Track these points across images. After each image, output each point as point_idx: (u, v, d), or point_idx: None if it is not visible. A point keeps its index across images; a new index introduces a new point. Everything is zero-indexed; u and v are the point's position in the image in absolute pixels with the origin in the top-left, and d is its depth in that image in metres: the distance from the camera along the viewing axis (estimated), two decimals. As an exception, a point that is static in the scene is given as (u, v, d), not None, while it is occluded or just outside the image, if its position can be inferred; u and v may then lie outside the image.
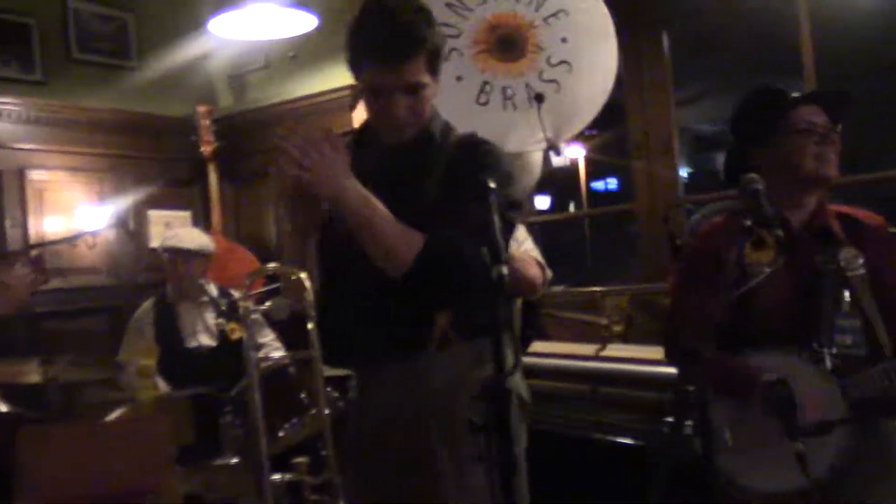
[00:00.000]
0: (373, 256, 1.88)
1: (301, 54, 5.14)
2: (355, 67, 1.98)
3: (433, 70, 1.95)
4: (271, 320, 2.13)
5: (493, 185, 1.61)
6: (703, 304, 2.11)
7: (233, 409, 3.23)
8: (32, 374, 3.75)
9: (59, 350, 3.96)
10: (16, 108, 4.74)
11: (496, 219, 1.56)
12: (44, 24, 4.91)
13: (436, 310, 1.95)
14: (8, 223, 4.62)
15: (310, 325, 1.88)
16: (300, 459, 1.95)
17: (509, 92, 2.92)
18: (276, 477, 1.90)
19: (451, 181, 1.93)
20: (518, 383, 2.03)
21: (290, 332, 4.22)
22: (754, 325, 2.18)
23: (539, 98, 2.87)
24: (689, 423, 2.23)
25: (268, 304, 1.94)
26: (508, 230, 1.90)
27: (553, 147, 2.87)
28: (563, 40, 2.96)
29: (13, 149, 4.74)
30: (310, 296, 1.90)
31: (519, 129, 2.89)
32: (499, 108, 2.91)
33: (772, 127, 2.27)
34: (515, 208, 1.94)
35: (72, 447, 1.55)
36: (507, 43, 2.96)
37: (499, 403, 1.61)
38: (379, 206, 1.87)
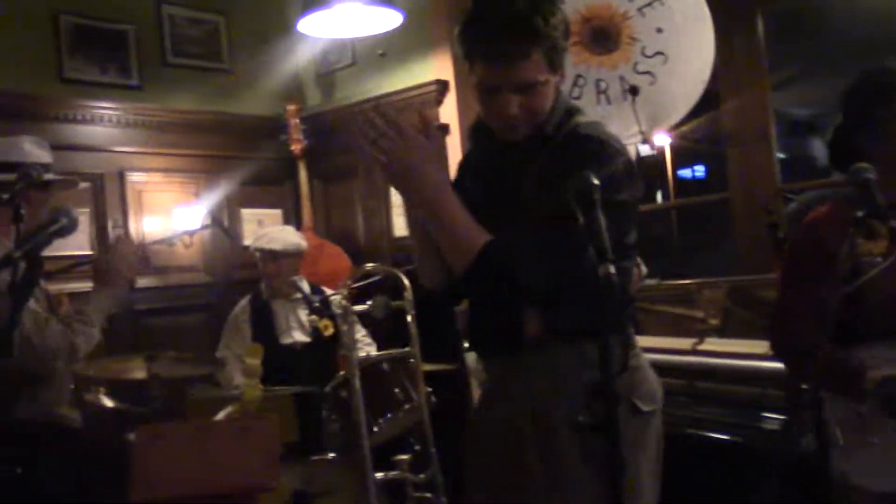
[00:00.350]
0: (441, 249, 1.85)
1: (387, 51, 5.17)
2: (467, 60, 1.89)
3: (553, 65, 1.85)
4: (371, 318, 2.15)
5: (597, 181, 1.58)
6: (816, 299, 2.04)
7: (328, 404, 3.27)
8: (137, 370, 3.86)
9: (159, 346, 4.08)
10: (115, 113, 4.89)
11: (602, 217, 1.53)
12: (140, 30, 5.05)
13: (519, 310, 1.89)
14: (109, 224, 4.77)
15: (409, 322, 1.87)
16: (403, 457, 1.95)
17: (603, 85, 2.88)
18: (380, 475, 1.91)
19: (547, 178, 1.86)
20: (637, 385, 1.95)
21: (384, 328, 4.27)
22: (867, 320, 2.10)
23: (634, 91, 2.83)
24: (799, 421, 2.16)
25: (368, 302, 1.95)
26: (622, 228, 1.84)
27: (648, 141, 2.82)
28: (659, 31, 2.91)
29: (113, 152, 4.90)
30: (409, 294, 1.89)
31: (613, 123, 2.85)
32: (592, 102, 2.87)
33: (884, 112, 2.17)
34: (626, 206, 1.85)
35: (184, 444, 1.59)
36: (601, 35, 2.92)
37: (606, 404, 1.59)
38: (451, 199, 1.81)
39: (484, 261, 1.77)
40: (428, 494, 1.97)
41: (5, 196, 2.18)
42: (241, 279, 5.24)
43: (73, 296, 3.21)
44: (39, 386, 2.56)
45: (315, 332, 4.30)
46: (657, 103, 2.86)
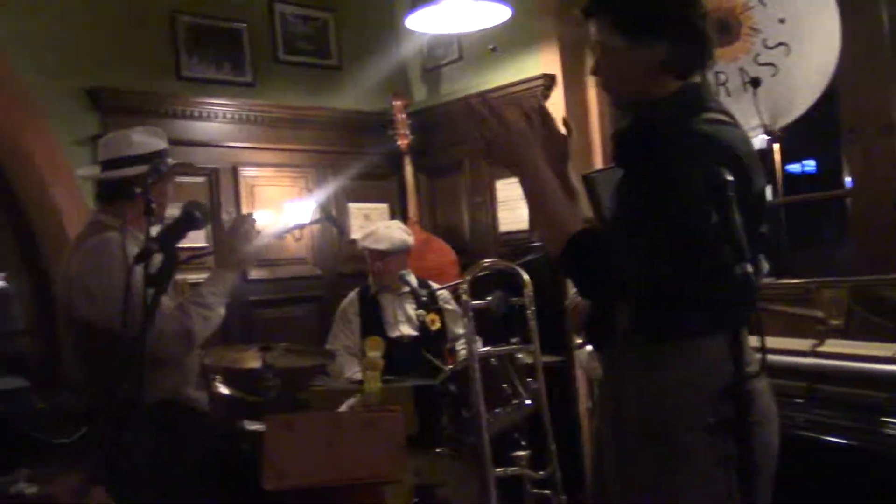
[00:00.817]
0: (539, 233, 1.86)
1: (494, 45, 5.16)
2: None
3: (626, 33, 1.82)
4: (491, 313, 2.15)
5: (730, 177, 1.54)
6: None
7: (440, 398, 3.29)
8: (251, 360, 3.99)
9: (270, 337, 4.19)
10: (229, 109, 5.03)
11: (737, 213, 1.49)
12: (253, 28, 5.18)
13: (608, 307, 1.89)
14: (224, 217, 4.91)
15: (530, 318, 1.86)
16: (521, 453, 1.95)
17: (722, 77, 2.81)
18: (499, 470, 1.91)
19: (642, 175, 1.82)
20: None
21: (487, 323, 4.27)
22: None
23: (755, 83, 2.75)
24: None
25: (489, 297, 1.95)
26: (755, 224, 1.80)
27: (770, 134, 2.74)
28: (781, 21, 2.82)
29: (227, 147, 5.04)
30: (529, 289, 1.89)
31: (733, 115, 2.78)
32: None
33: None
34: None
35: (314, 435, 1.62)
36: (721, 27, 2.85)
37: (738, 405, 1.55)
38: (550, 187, 1.84)
39: (572, 249, 1.77)
40: (546, 492, 1.95)
41: (137, 190, 2.26)
42: (348, 272, 5.34)
43: (193, 286, 3.31)
44: (166, 369, 2.64)
45: (422, 325, 4.35)
46: (779, 96, 2.78)
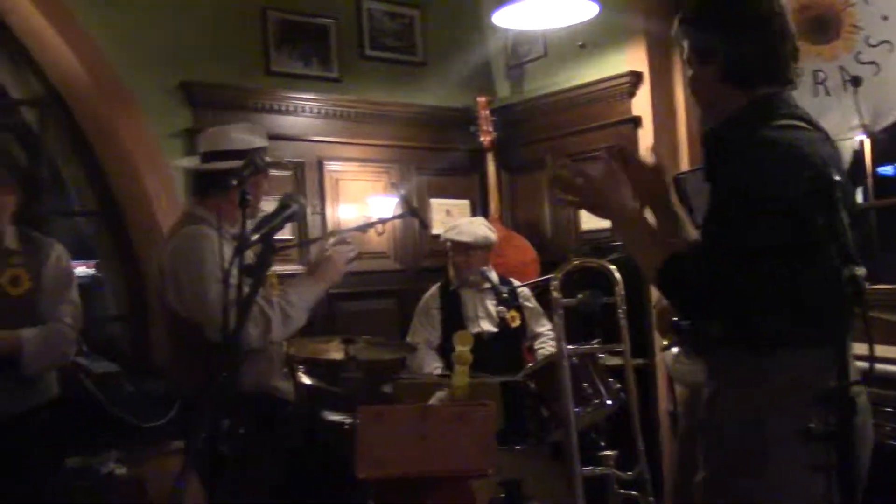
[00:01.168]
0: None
1: (581, 41, 5.13)
2: None
3: (695, 52, 1.95)
4: (582, 311, 2.14)
5: (838, 178, 1.51)
6: None
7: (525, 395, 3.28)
8: (334, 351, 4.04)
9: (349, 330, 4.24)
10: (315, 104, 5.11)
11: (844, 216, 1.46)
12: (341, 24, 5.25)
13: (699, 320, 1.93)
14: (308, 210, 4.99)
15: (620, 318, 1.85)
16: (608, 452, 1.94)
17: (821, 76, 2.74)
18: (587, 469, 1.90)
19: (721, 185, 1.85)
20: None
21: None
22: None
23: (856, 81, 2.67)
24: None
25: (580, 295, 1.94)
26: (861, 227, 1.78)
27: (871, 134, 2.66)
28: (885, 18, 2.72)
29: (312, 141, 5.11)
30: (620, 288, 1.88)
31: (831, 115, 2.71)
32: (808, 94, 2.74)
33: None
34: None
35: (406, 427, 1.64)
36: (820, 24, 2.78)
37: (841, 413, 1.52)
38: (636, 223, 1.93)
39: (662, 279, 1.85)
40: (633, 493, 1.94)
41: (234, 182, 2.31)
42: (428, 268, 5.37)
43: (280, 277, 3.37)
44: (254, 360, 2.68)
45: (502, 322, 4.35)
46: (881, 95, 2.69)
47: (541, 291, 4.52)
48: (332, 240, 3.01)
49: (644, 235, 1.93)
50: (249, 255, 2.13)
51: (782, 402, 1.76)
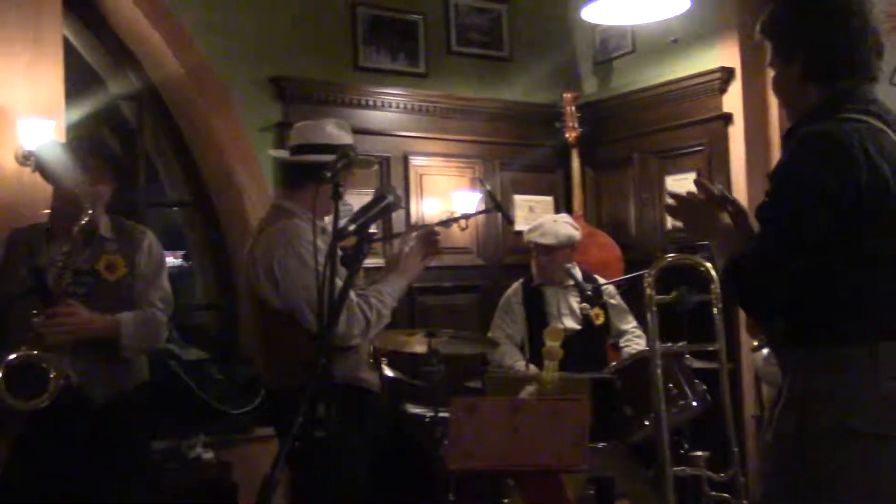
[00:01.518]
0: None
1: (668, 37, 5.05)
2: None
3: (777, 52, 1.97)
4: (675, 309, 2.11)
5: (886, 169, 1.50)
6: None
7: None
8: (417, 344, 4.08)
9: (432, 324, 4.27)
10: (402, 99, 5.15)
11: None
12: (428, 20, 5.28)
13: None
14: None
15: (716, 316, 1.83)
16: (700, 453, 1.91)
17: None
18: (678, 469, 1.88)
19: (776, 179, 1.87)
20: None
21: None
22: None
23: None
24: None
25: (674, 292, 1.92)
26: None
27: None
28: None
29: (398, 136, 5.16)
30: (716, 286, 1.85)
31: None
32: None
33: None
34: None
35: (497, 419, 1.64)
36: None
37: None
38: (728, 241, 1.94)
39: (725, 277, 1.91)
40: (725, 495, 1.91)
41: (328, 174, 2.34)
42: (510, 263, 5.36)
43: (365, 270, 3.41)
44: (343, 352, 2.72)
45: (586, 320, 4.30)
46: None
47: (626, 289, 4.47)
48: (415, 233, 3.02)
49: (726, 250, 1.95)
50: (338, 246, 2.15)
51: (834, 399, 1.75)
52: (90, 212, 2.79)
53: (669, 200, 2.10)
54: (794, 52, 1.93)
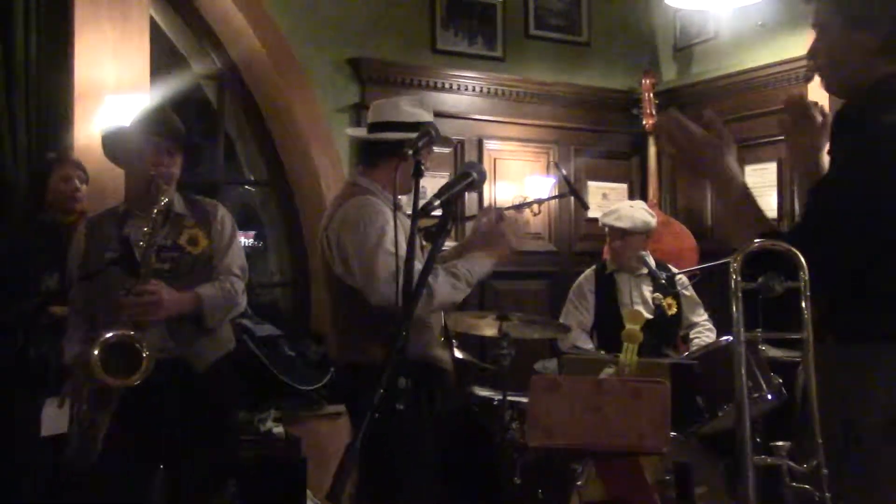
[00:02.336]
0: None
1: (752, 23, 4.93)
2: None
3: (848, 13, 1.80)
4: (762, 297, 2.06)
5: None
6: None
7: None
8: (487, 327, 4.08)
9: (501, 308, 4.26)
10: (478, 83, 5.15)
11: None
12: (507, 3, 5.26)
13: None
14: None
15: (805, 304, 1.78)
16: (782, 443, 1.87)
17: None
18: (759, 458, 1.85)
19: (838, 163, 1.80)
20: None
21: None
22: None
23: None
24: None
25: (760, 279, 1.87)
26: None
27: None
28: None
29: (474, 120, 5.16)
30: (805, 273, 1.80)
31: None
32: None
33: None
34: None
35: (579, 398, 1.64)
36: None
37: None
38: (738, 190, 1.85)
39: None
40: (806, 486, 1.86)
41: (409, 152, 2.34)
42: (582, 250, 5.34)
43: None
44: (417, 329, 2.70)
45: (658, 309, 4.25)
46: None
47: (698, 280, 4.40)
48: (505, 210, 2.97)
49: (743, 205, 1.87)
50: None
51: (880, 396, 1.73)
52: (167, 195, 2.85)
53: (667, 124, 1.93)
54: (876, 20, 1.78)
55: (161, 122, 3.00)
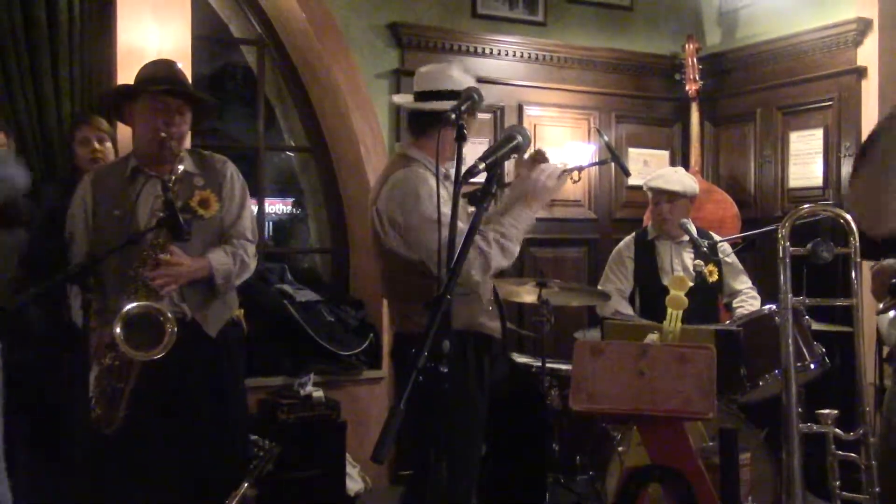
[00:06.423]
0: None
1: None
2: None
3: None
4: (812, 263, 2.04)
5: None
6: None
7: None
8: (527, 294, 4.08)
9: (542, 275, 4.24)
10: (519, 48, 5.08)
11: None
12: (549, -33, 5.18)
13: None
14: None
15: (853, 272, 1.75)
16: (828, 411, 1.85)
17: None
18: (805, 426, 1.83)
19: None
20: None
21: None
22: None
23: None
24: None
25: (809, 245, 1.84)
26: None
27: None
28: None
29: (514, 86, 5.10)
30: (855, 240, 1.76)
31: None
32: None
33: None
34: None
35: (623, 363, 1.63)
36: None
37: None
38: None
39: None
40: (853, 455, 1.85)
41: (452, 116, 2.32)
42: (622, 218, 5.29)
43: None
44: (466, 298, 2.69)
45: (699, 276, 4.21)
46: None
47: (741, 248, 4.35)
48: (527, 156, 2.90)
49: None
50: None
51: None
52: (182, 162, 2.85)
53: None
54: None
55: (168, 80, 2.94)
